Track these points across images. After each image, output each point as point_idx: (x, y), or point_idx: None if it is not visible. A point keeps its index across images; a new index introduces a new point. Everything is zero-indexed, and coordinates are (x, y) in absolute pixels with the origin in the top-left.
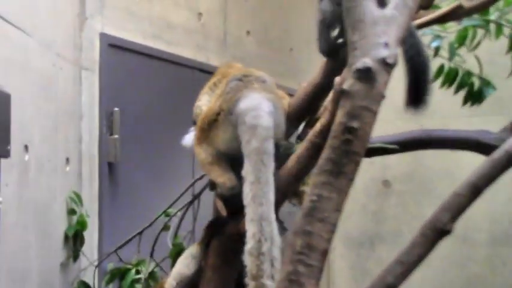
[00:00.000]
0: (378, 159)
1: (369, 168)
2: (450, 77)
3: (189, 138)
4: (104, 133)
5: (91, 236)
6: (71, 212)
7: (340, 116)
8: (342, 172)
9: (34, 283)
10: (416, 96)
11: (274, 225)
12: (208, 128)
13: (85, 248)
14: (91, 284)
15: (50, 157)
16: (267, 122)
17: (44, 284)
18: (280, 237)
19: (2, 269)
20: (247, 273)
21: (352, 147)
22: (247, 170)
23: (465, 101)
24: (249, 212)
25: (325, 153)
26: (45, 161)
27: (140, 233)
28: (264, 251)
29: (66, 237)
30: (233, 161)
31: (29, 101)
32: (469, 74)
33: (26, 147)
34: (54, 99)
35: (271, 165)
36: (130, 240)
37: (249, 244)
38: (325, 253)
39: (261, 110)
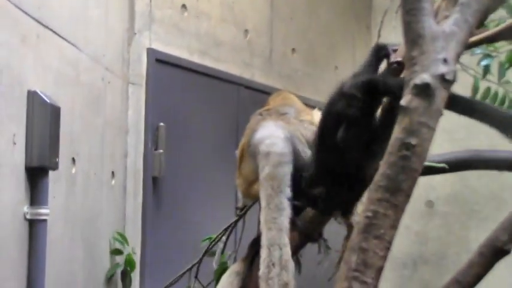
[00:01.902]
0: (422, 179)
1: None
2: (497, 100)
3: None
4: (149, 148)
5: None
6: (116, 252)
7: (397, 132)
8: (399, 189)
9: None
10: None
11: (285, 251)
12: (240, 161)
13: None
14: None
15: (96, 170)
16: (281, 148)
17: None
18: (324, 252)
19: (49, 279)
20: None
21: (410, 164)
22: (260, 196)
23: None
24: (262, 237)
25: (382, 169)
26: (92, 174)
27: (189, 270)
28: (272, 276)
29: (110, 277)
30: None
31: (77, 115)
32: None
33: (74, 160)
34: (102, 113)
35: (284, 190)
36: (181, 276)
37: (260, 269)
38: (380, 270)
39: (275, 137)
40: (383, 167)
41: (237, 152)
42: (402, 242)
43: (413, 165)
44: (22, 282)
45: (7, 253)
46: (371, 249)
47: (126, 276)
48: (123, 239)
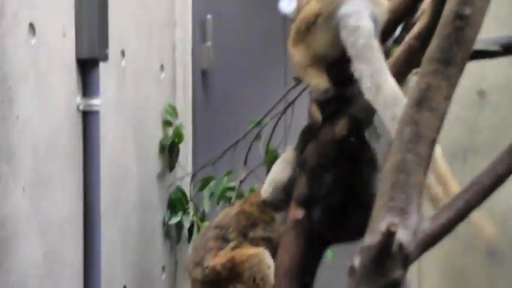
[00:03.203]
0: (473, 69)
1: (463, 78)
2: None
3: (289, 3)
4: (197, 40)
5: (185, 144)
6: (167, 123)
7: (451, 5)
8: (453, 60)
9: (133, 186)
10: None
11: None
12: (306, 30)
13: (180, 157)
14: (187, 193)
15: (145, 63)
16: (369, 25)
17: (142, 188)
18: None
19: (103, 171)
20: None
21: (464, 34)
22: (359, 68)
23: None
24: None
25: (435, 42)
26: (141, 67)
27: (234, 145)
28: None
29: (162, 148)
30: (328, 65)
31: (124, 6)
32: None
33: (123, 52)
34: (148, 6)
35: (382, 59)
36: (224, 153)
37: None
38: (433, 142)
39: (363, 13)
40: (436, 39)
41: (299, 21)
42: (453, 133)
43: (467, 36)
44: (78, 173)
45: (63, 144)
46: (424, 122)
47: (173, 147)
48: (173, 110)
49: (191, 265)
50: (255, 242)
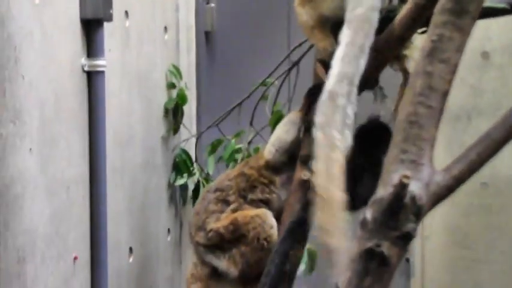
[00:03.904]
0: (477, 30)
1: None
2: None
3: None
4: (200, 2)
5: (189, 106)
6: (171, 85)
7: None
8: (465, 11)
9: (138, 147)
10: None
11: (354, 91)
12: None
13: (184, 119)
14: (192, 155)
15: (149, 25)
16: None
17: (148, 150)
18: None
19: (109, 132)
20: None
21: None
22: (345, 33)
23: None
24: (333, 69)
25: None
26: (145, 28)
27: (239, 104)
28: (338, 104)
29: (166, 110)
30: (335, 27)
31: None
32: None
33: (127, 13)
34: None
35: (370, 36)
36: (230, 112)
37: (323, 96)
38: (445, 95)
39: None
40: None
41: None
42: (456, 95)
43: None
44: (84, 134)
45: (69, 105)
46: (436, 73)
47: (177, 110)
48: (177, 71)
49: (193, 229)
50: (254, 204)
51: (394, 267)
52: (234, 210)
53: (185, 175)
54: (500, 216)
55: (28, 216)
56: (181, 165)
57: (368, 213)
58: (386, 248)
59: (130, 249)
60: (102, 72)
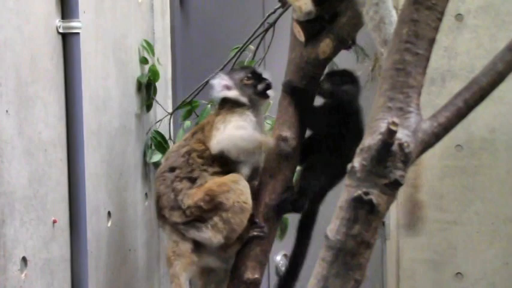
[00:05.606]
0: None
1: None
2: None
3: None
4: None
5: (165, 70)
6: (143, 60)
7: None
8: None
9: (115, 112)
10: None
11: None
12: None
13: (159, 88)
14: (166, 132)
15: None
16: None
17: (123, 113)
18: None
19: (85, 96)
20: None
21: None
22: None
23: None
24: None
25: None
26: None
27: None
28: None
29: (140, 84)
30: None
31: None
32: None
33: None
34: None
35: None
36: (205, 83)
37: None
38: (432, 42)
39: None
40: None
41: None
42: (430, 57)
43: None
44: (60, 95)
45: (44, 66)
46: (422, 21)
47: (150, 86)
48: (149, 46)
49: (166, 210)
50: (217, 175)
51: (382, 215)
52: (203, 184)
53: (160, 155)
54: (475, 178)
55: (6, 178)
56: (156, 147)
57: (356, 161)
58: (375, 196)
59: (109, 213)
60: (77, 34)
